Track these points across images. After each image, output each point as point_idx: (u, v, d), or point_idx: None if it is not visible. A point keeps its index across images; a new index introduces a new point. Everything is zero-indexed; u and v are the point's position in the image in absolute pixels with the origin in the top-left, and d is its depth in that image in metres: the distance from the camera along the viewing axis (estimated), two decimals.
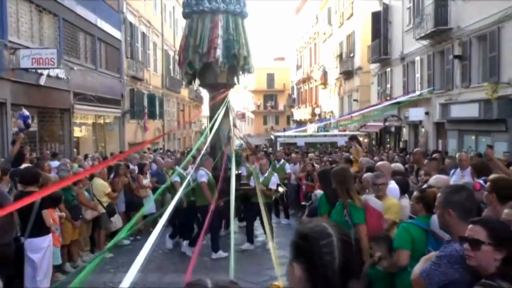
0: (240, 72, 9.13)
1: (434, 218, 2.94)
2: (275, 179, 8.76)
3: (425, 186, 4.45)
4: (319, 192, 9.06)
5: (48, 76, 12.73)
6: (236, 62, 8.72)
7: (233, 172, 6.13)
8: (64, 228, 6.80)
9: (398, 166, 7.16)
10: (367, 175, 5.56)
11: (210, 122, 8.68)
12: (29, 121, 9.28)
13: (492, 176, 3.63)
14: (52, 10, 13.69)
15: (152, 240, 3.28)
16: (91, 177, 8.14)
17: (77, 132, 16.39)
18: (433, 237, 3.25)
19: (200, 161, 7.66)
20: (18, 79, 11.42)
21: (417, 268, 2.54)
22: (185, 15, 9.19)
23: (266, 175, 8.77)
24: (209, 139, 7.78)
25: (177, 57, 10.39)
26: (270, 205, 8.96)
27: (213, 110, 8.48)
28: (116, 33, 19.46)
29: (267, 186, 8.52)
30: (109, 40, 18.78)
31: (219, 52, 8.49)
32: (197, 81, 9.54)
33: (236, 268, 4.26)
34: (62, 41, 14.31)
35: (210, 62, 8.57)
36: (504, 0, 12.11)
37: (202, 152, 7.83)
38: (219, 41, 8.50)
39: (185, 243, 8.40)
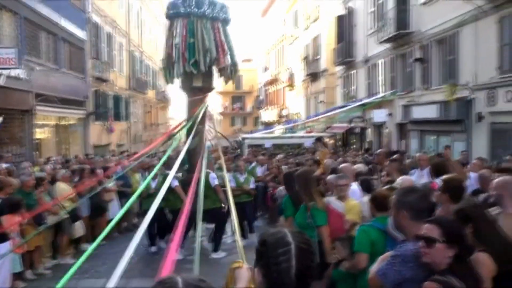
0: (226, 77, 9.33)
1: (390, 219, 3.06)
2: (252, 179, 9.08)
3: (386, 186, 4.61)
4: (280, 189, 9.22)
5: (8, 76, 12.33)
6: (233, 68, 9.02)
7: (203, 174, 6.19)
8: (27, 234, 6.61)
9: (360, 167, 7.35)
10: (331, 177, 5.69)
11: (188, 125, 8.83)
12: None
13: (444, 177, 3.79)
14: (12, 8, 13.28)
15: (135, 244, 3.28)
16: (53, 181, 7.94)
17: (39, 134, 15.93)
18: (391, 238, 3.35)
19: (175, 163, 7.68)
20: None
21: (374, 268, 2.64)
22: (175, 15, 9.03)
23: (245, 176, 9.02)
24: (187, 142, 7.78)
25: (160, 54, 10.34)
26: (249, 203, 9.14)
27: (192, 114, 8.71)
28: (80, 33, 19.05)
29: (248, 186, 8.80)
30: (73, 40, 18.36)
31: (228, 58, 8.74)
32: (177, 82, 9.54)
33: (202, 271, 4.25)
34: (23, 41, 13.88)
35: (222, 67, 8.78)
36: (461, 5, 12.60)
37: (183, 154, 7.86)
38: (225, 47, 8.75)
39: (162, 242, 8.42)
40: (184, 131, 8.59)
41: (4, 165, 8.82)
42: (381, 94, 18.76)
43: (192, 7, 8.67)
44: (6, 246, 5.35)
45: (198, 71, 8.88)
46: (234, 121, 54.85)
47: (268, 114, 42.81)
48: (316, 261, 1.60)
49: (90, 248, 3.52)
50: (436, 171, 5.41)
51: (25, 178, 7.06)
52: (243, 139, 21.41)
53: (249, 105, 54.42)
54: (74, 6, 18.49)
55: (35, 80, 14.20)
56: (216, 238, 8.12)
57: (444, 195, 3.43)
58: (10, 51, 11.38)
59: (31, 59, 14.40)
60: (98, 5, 21.67)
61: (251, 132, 24.53)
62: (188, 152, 8.16)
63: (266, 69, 45.49)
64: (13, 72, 12.52)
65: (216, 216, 7.91)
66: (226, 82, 9.56)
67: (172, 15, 8.87)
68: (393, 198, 2.72)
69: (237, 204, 8.04)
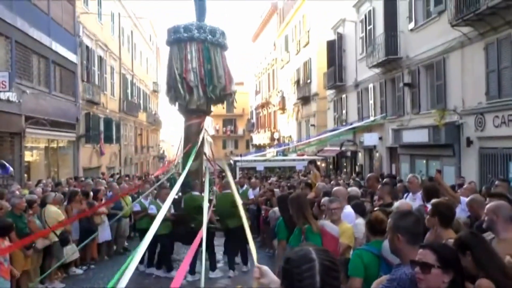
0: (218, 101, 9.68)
1: (385, 243, 3.06)
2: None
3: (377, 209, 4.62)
4: (273, 210, 9.22)
5: None
6: (217, 90, 9.32)
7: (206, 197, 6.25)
8: (15, 258, 6.49)
9: (354, 190, 7.37)
10: (325, 199, 5.71)
11: (184, 146, 9.02)
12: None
13: (433, 201, 3.82)
14: (4, 32, 13.32)
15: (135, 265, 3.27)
16: (43, 204, 7.85)
17: (28, 157, 15.78)
18: (384, 262, 3.35)
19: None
20: None
21: None
22: (189, 39, 9.23)
23: (244, 189, 9.15)
24: (188, 165, 7.85)
25: (152, 77, 10.91)
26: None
27: (188, 136, 9.24)
28: (72, 56, 19.12)
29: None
30: (64, 63, 18.40)
31: (233, 85, 9.24)
32: (176, 105, 9.74)
33: None
34: (14, 64, 13.89)
35: (228, 94, 9.25)
36: (448, 32, 12.91)
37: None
38: (202, 69, 9.09)
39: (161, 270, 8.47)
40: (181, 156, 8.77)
41: None
42: (371, 118, 18.96)
43: (207, 34, 9.03)
44: None
45: (214, 97, 9.27)
46: (226, 143, 54.87)
47: (259, 137, 42.95)
48: (340, 278, 1.61)
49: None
50: (428, 195, 5.44)
51: (16, 201, 6.97)
52: (235, 162, 21.41)
53: (240, 128, 54.56)
54: (65, 30, 18.60)
55: (25, 103, 14.16)
56: (211, 258, 8.25)
57: (433, 219, 3.45)
58: (1, 74, 11.40)
59: (22, 82, 14.39)
60: (90, 29, 21.82)
61: (242, 156, 24.51)
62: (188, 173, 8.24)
63: (257, 92, 45.84)
64: (4, 95, 12.49)
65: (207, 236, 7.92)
66: (231, 107, 9.96)
67: (183, 39, 9.06)
68: (389, 222, 2.73)
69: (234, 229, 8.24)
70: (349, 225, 5.01)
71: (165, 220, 7.58)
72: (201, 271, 5.00)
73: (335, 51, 23.27)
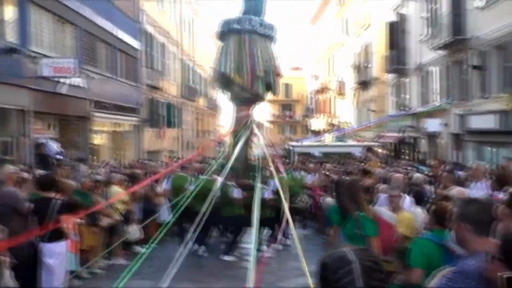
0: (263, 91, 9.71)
1: (451, 233, 2.90)
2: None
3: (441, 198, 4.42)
4: (326, 200, 9.10)
5: (68, 84, 12.98)
6: (268, 80, 9.47)
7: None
8: (82, 234, 6.88)
9: (418, 177, 7.10)
10: (382, 186, 5.55)
11: (235, 136, 9.31)
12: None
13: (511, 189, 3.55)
14: (72, 21, 14.00)
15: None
16: (107, 184, 8.24)
17: (95, 140, 16.63)
18: (448, 253, 3.19)
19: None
20: (38, 87, 11.68)
21: (432, 284, 2.51)
22: (223, 33, 9.59)
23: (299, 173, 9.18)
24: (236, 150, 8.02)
25: (211, 63, 11.54)
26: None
27: (237, 124, 9.46)
28: (134, 43, 19.78)
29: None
30: (127, 50, 19.08)
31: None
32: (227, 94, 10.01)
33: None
34: (82, 51, 14.59)
35: (249, 78, 9.20)
36: None
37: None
38: (254, 60, 9.20)
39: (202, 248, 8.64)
40: (231, 140, 8.89)
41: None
42: (435, 103, 18.13)
43: (258, 26, 9.24)
44: (64, 244, 5.57)
45: (265, 87, 9.50)
46: (283, 129, 54.84)
47: (317, 123, 42.49)
48: (386, 280, 1.46)
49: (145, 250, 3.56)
50: (500, 182, 5.11)
51: (83, 180, 7.36)
52: (292, 147, 21.34)
53: (298, 114, 54.26)
54: (128, 17, 19.24)
55: (92, 88, 14.86)
56: (230, 242, 8.54)
57: (508, 209, 3.20)
58: (70, 61, 11.99)
59: (89, 68, 15.10)
60: (151, 16, 22.42)
61: (299, 141, 24.37)
62: (237, 159, 8.35)
63: (315, 77, 45.25)
64: (73, 81, 13.17)
65: (238, 222, 8.32)
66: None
67: (235, 31, 9.24)
68: (454, 210, 2.57)
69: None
70: (408, 213, 4.84)
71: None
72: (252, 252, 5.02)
73: (396, 33, 22.39)
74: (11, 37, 11.15)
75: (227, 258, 8.36)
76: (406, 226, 4.63)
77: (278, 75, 9.70)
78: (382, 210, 4.54)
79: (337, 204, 5.31)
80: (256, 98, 9.78)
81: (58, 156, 10.51)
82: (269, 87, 9.71)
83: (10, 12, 11.19)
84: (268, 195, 8.58)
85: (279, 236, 8.05)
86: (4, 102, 10.51)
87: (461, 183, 6.34)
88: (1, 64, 10.11)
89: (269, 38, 9.64)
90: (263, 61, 9.33)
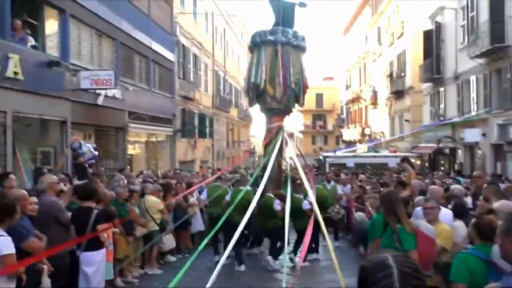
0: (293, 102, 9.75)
1: (496, 247, 2.77)
2: (307, 202, 8.72)
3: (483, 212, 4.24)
4: (358, 214, 8.94)
5: (105, 96, 13.34)
6: (296, 91, 9.43)
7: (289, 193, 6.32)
8: (118, 243, 7.00)
9: (457, 188, 6.88)
10: (419, 198, 5.40)
11: (267, 146, 9.37)
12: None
13: None
14: (111, 34, 14.42)
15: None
16: (142, 194, 8.37)
17: (131, 150, 16.96)
18: (494, 268, 3.05)
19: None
20: (78, 98, 12.04)
21: None
22: (255, 46, 9.73)
23: (332, 184, 9.08)
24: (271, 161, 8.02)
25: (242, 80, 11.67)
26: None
27: (270, 136, 9.46)
28: (169, 55, 20.17)
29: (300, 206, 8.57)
30: (162, 62, 19.48)
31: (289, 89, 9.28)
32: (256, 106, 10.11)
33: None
34: (119, 63, 15.00)
35: (283, 90, 9.31)
36: None
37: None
38: (287, 76, 9.28)
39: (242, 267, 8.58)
40: (264, 151, 8.92)
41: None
42: (473, 113, 17.59)
43: (291, 37, 9.27)
44: (102, 253, 5.68)
45: (295, 98, 9.52)
46: (315, 139, 54.50)
47: (349, 133, 42.01)
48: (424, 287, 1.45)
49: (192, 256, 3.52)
50: None
51: (120, 190, 7.51)
52: (324, 157, 21.16)
53: (330, 124, 53.85)
54: (164, 30, 19.67)
55: (128, 99, 15.22)
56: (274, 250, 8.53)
57: None
58: (108, 73, 12.32)
59: (126, 80, 15.49)
60: (186, 28, 22.85)
61: (333, 151, 24.12)
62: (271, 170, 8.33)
63: (348, 87, 44.87)
64: (110, 92, 13.53)
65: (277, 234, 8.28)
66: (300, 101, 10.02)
67: (267, 42, 9.31)
68: (500, 224, 2.47)
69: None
70: (447, 226, 4.68)
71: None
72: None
73: (432, 42, 21.95)
74: (52, 50, 11.59)
75: (272, 263, 8.38)
76: (445, 239, 4.47)
77: (306, 87, 9.69)
78: (423, 223, 4.40)
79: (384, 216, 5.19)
80: (288, 109, 9.83)
81: (91, 161, 10.64)
82: (297, 99, 9.71)
83: (51, 27, 11.64)
84: (306, 206, 8.53)
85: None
86: (46, 113, 10.88)
87: (504, 195, 6.08)
88: (43, 77, 10.49)
89: (301, 49, 9.66)
90: (294, 73, 9.35)
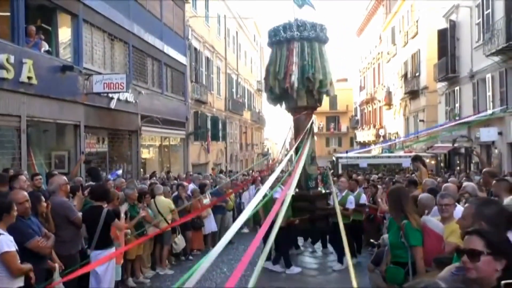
0: (317, 95, 9.35)
1: None
2: (352, 198, 8.66)
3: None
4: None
5: (118, 99, 13.48)
6: (312, 86, 9.02)
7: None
8: (129, 244, 7.03)
9: (470, 186, 6.75)
10: (423, 196, 5.35)
11: (295, 143, 9.10)
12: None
13: None
14: (123, 38, 14.58)
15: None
16: (153, 195, 8.42)
17: (144, 153, 17.10)
18: None
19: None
20: (91, 102, 12.19)
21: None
22: (269, 45, 9.82)
23: (343, 194, 8.74)
24: (302, 160, 7.98)
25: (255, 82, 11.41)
26: (348, 225, 8.85)
27: (297, 132, 9.25)
28: (182, 58, 20.29)
29: (344, 205, 8.39)
30: (174, 65, 19.61)
31: (293, 78, 8.90)
32: (283, 105, 9.98)
33: None
34: (131, 67, 15.15)
35: (287, 88, 8.99)
36: None
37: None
38: (294, 67, 8.96)
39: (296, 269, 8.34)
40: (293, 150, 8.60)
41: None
42: (489, 111, 17.30)
43: (309, 30, 9.11)
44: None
45: (274, 95, 9.37)
46: (329, 141, 54.23)
47: (364, 134, 41.71)
48: None
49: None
50: None
51: (129, 192, 7.57)
52: (337, 158, 21.03)
53: (344, 125, 53.55)
54: (176, 33, 19.81)
55: (141, 103, 15.35)
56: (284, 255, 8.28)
57: None
58: (120, 76, 12.44)
59: (138, 84, 15.63)
60: (198, 31, 22.98)
61: (345, 152, 23.95)
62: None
63: (362, 88, 44.57)
64: (122, 96, 13.67)
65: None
66: (319, 99, 9.67)
67: (285, 39, 9.17)
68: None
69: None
70: None
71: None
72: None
73: (447, 40, 21.66)
74: (66, 55, 11.77)
75: (338, 267, 8.30)
76: (457, 237, 4.38)
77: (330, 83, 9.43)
78: (430, 219, 4.33)
79: None
80: (313, 105, 9.58)
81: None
82: (327, 92, 9.42)
83: (65, 32, 11.82)
84: (351, 204, 8.52)
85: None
86: (60, 117, 11.04)
87: None
88: (56, 82, 10.66)
89: (323, 41, 9.37)
90: (318, 67, 9.05)
